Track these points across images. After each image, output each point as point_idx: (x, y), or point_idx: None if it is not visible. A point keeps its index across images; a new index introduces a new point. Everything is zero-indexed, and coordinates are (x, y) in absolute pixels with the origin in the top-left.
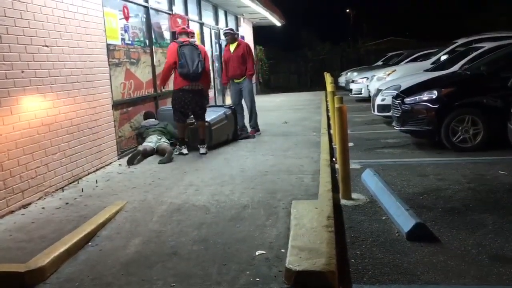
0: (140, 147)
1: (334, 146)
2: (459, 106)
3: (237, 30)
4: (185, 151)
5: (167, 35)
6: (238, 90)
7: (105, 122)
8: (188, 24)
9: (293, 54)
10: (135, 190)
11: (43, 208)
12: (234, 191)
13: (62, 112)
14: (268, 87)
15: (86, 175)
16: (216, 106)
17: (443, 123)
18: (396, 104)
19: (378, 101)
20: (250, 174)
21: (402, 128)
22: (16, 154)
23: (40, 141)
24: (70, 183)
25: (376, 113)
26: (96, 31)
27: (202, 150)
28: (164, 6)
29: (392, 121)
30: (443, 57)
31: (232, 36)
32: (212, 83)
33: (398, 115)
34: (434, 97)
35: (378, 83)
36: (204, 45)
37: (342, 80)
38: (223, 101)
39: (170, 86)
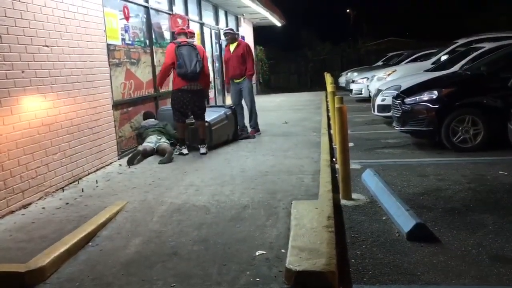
0: (140, 147)
1: (334, 146)
2: (460, 106)
3: (238, 30)
4: (185, 151)
5: (167, 35)
6: (238, 90)
7: (106, 122)
8: (188, 24)
9: (293, 54)
10: (135, 190)
11: (43, 208)
12: (234, 191)
13: (63, 112)
14: (268, 87)
15: (87, 175)
16: (216, 106)
17: (443, 123)
18: (397, 104)
19: (378, 101)
20: (250, 174)
21: (402, 128)
22: (17, 154)
23: (41, 141)
24: (71, 183)
25: (376, 113)
26: (96, 31)
27: (202, 150)
28: (164, 6)
29: (392, 121)
30: (443, 57)
31: (232, 36)
32: (212, 83)
33: (398, 115)
34: (434, 97)
35: (378, 83)
36: (204, 45)
37: (342, 80)
38: (223, 101)
39: (170, 86)
